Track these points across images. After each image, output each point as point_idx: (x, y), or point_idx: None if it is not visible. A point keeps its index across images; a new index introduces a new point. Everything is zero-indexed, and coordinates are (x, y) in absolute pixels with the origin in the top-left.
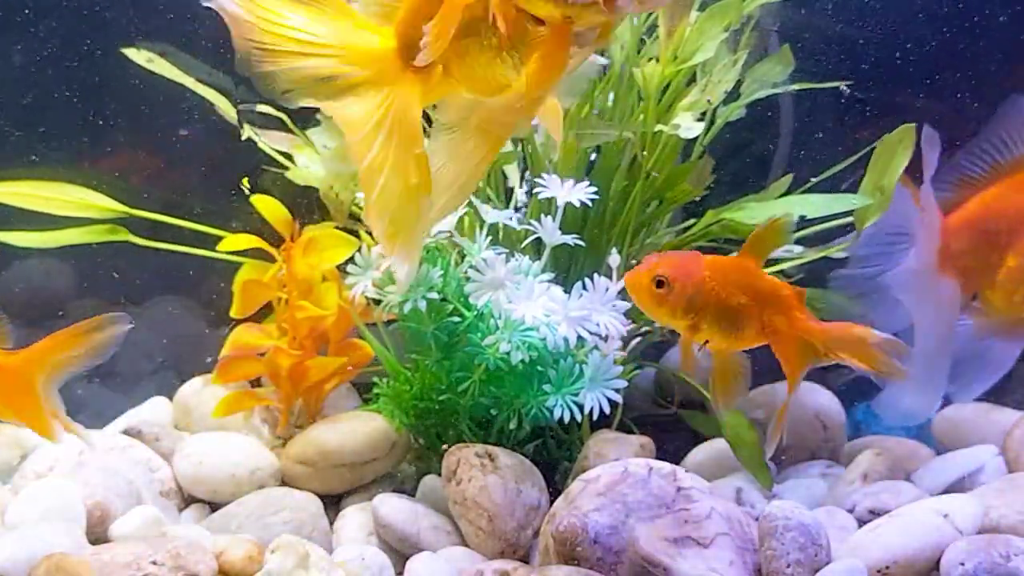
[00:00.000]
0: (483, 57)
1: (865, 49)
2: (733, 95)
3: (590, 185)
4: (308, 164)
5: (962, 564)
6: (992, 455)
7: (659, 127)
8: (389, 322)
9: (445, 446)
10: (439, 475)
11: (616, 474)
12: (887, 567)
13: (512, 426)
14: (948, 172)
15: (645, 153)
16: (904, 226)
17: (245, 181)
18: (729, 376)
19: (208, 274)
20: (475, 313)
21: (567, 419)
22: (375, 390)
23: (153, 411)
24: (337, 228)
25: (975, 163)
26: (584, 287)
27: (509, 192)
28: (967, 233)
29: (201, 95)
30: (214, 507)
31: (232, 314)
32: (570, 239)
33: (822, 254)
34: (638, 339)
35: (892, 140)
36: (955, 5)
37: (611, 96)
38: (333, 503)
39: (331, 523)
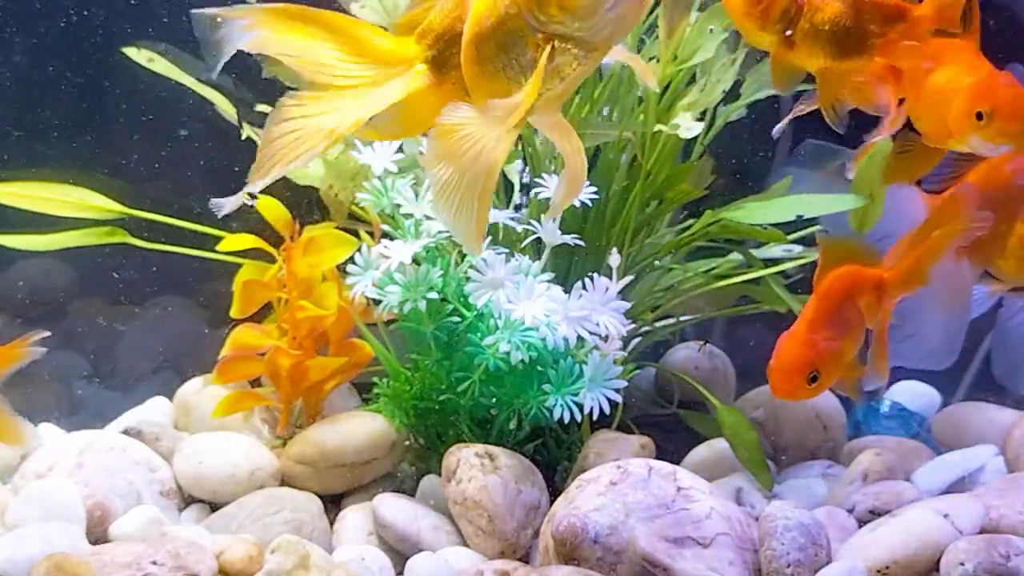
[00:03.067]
0: (505, 76)
1: None
2: (733, 95)
3: (590, 185)
4: (308, 164)
5: (962, 564)
6: (992, 455)
7: (659, 127)
8: (389, 322)
9: (445, 446)
10: (439, 475)
11: (616, 474)
12: (887, 567)
13: (512, 426)
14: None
15: (640, 153)
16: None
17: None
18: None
19: (208, 274)
20: (475, 313)
21: (567, 419)
22: (375, 390)
23: (153, 411)
24: (337, 228)
25: None
26: (584, 287)
27: (509, 192)
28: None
29: (201, 95)
30: (214, 507)
31: (232, 314)
32: (570, 239)
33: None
34: (638, 339)
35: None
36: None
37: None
38: (333, 503)
39: (331, 523)
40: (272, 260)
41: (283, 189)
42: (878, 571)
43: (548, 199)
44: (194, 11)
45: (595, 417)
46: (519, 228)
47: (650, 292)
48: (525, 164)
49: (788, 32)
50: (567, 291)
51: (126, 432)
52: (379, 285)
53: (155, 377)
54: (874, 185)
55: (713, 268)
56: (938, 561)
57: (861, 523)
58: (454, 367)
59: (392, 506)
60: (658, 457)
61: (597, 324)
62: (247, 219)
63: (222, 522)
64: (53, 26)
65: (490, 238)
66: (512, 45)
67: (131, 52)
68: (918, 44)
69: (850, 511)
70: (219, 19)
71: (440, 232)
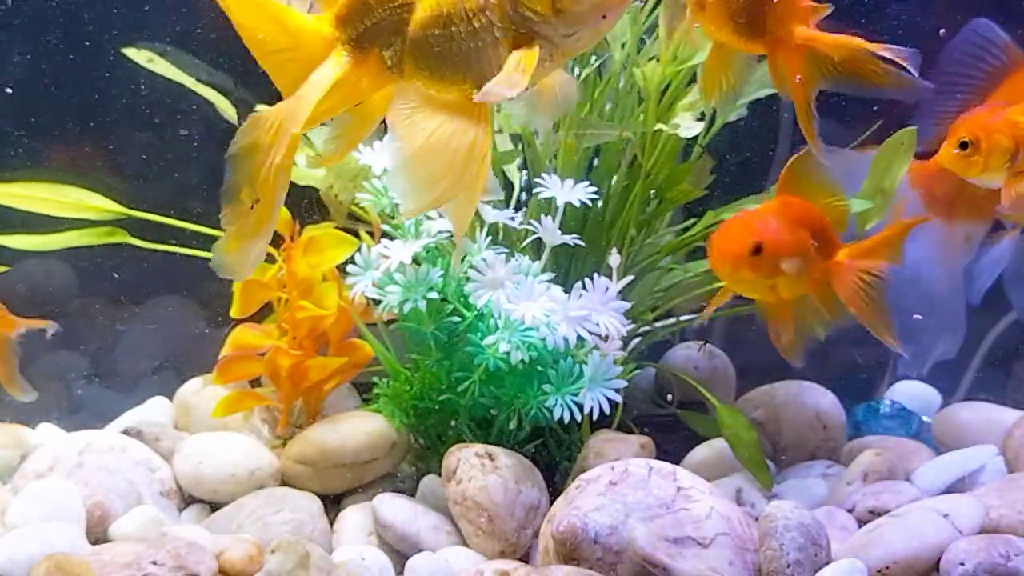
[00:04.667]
0: (460, 63)
1: None
2: None
3: (590, 185)
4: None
5: (962, 564)
6: (992, 455)
7: (659, 127)
8: (389, 322)
9: (445, 446)
10: (439, 475)
11: (616, 474)
12: (887, 567)
13: (512, 426)
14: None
15: (640, 153)
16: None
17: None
18: (724, 68)
19: (208, 274)
20: (475, 313)
21: (567, 419)
22: (375, 390)
23: (153, 411)
24: (337, 228)
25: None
26: (584, 287)
27: (509, 192)
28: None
29: (201, 95)
30: (214, 507)
31: (232, 314)
32: (570, 239)
33: None
34: (638, 339)
35: (893, 143)
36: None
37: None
38: (333, 503)
39: (331, 523)
40: (272, 260)
41: None
42: (878, 571)
43: (548, 199)
44: None
45: (595, 417)
46: (519, 228)
47: (650, 292)
48: (525, 164)
49: None
50: (567, 291)
51: (126, 432)
52: (379, 285)
53: (155, 377)
54: (884, 183)
55: None
56: (938, 561)
57: (861, 523)
58: (454, 367)
59: (392, 506)
60: (658, 457)
61: (597, 324)
62: None
63: (222, 522)
64: (53, 26)
65: (490, 238)
66: (481, 33)
67: (131, 52)
68: None
69: (850, 511)
70: None
71: (440, 232)
